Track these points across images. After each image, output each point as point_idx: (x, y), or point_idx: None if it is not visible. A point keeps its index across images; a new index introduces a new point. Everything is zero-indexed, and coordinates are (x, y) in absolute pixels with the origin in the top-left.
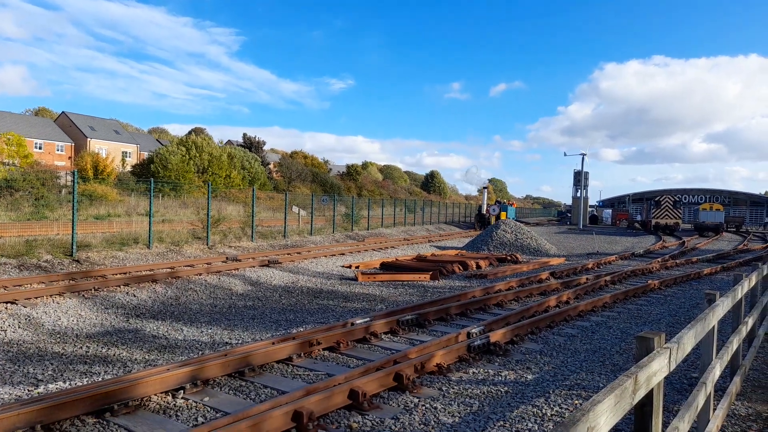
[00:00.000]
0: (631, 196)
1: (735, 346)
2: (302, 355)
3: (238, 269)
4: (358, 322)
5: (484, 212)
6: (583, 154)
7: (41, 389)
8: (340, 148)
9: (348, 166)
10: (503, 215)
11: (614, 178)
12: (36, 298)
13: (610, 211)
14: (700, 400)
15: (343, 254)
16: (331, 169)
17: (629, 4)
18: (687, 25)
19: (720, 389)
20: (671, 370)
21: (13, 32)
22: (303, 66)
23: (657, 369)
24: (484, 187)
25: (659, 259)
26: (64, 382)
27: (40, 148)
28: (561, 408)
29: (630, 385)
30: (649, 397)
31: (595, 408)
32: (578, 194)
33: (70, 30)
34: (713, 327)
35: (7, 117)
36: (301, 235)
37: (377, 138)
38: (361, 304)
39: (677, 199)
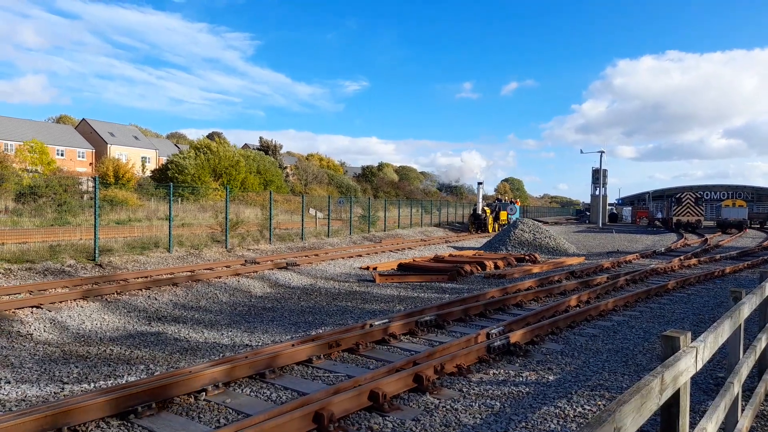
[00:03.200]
0: (651, 193)
1: (763, 345)
2: (322, 356)
3: (257, 272)
4: (376, 323)
5: (480, 212)
6: (602, 152)
7: (67, 391)
8: (354, 150)
9: (363, 168)
10: (503, 214)
11: (631, 175)
12: (60, 302)
13: (629, 208)
14: (728, 401)
15: (360, 256)
16: (347, 171)
17: None
18: (701, 18)
19: (748, 389)
20: (698, 369)
21: (33, 42)
22: (317, 69)
23: (684, 369)
24: (479, 183)
25: (681, 257)
26: (89, 384)
27: (61, 154)
28: (584, 409)
29: (656, 385)
30: (675, 397)
31: (622, 408)
32: (597, 192)
33: (88, 38)
34: (740, 325)
35: (30, 125)
36: (318, 237)
37: (391, 139)
38: (379, 305)
39: (699, 196)
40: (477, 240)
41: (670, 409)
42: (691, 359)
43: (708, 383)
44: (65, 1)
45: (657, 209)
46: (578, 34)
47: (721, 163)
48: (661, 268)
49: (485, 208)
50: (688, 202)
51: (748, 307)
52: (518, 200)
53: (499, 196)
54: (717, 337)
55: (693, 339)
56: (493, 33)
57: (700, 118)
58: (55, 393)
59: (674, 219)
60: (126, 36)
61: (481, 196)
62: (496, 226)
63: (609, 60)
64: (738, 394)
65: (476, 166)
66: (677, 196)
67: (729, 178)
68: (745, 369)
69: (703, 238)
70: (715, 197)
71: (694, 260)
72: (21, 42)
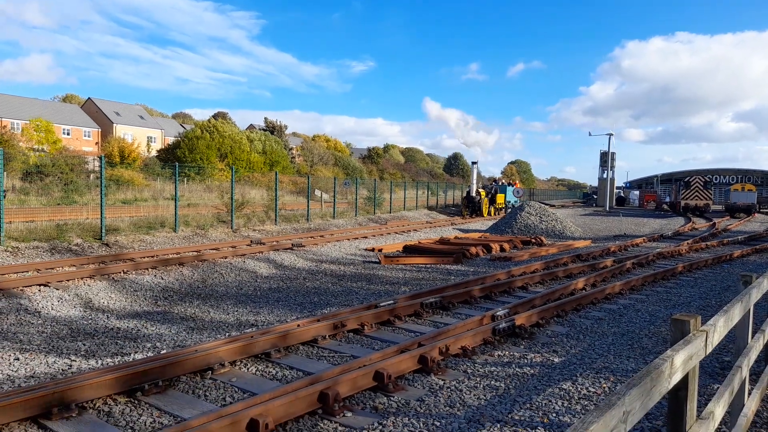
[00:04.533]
0: (660, 176)
1: None
2: (327, 337)
3: (262, 252)
4: (382, 304)
5: (474, 194)
6: (610, 134)
7: (74, 368)
8: (360, 131)
9: (369, 149)
10: (500, 197)
11: (639, 158)
12: (68, 280)
13: (637, 192)
14: (736, 384)
15: (365, 237)
16: (352, 153)
17: None
18: None
19: (754, 373)
20: (707, 353)
21: (38, 20)
22: (324, 49)
23: (693, 352)
24: (474, 163)
25: (689, 241)
26: (96, 361)
27: (67, 134)
28: (589, 391)
29: (666, 369)
30: (684, 381)
31: (631, 392)
32: (605, 175)
33: (94, 17)
34: (749, 310)
35: (36, 104)
36: (323, 218)
37: (397, 120)
38: (384, 286)
39: (708, 180)
40: (483, 223)
41: (678, 392)
42: (701, 343)
43: (714, 367)
44: None
45: (665, 193)
46: (586, 14)
47: (730, 147)
48: (668, 251)
49: (480, 190)
50: (697, 186)
51: (757, 291)
52: (517, 182)
53: (496, 178)
54: (727, 321)
55: (702, 323)
56: (499, 14)
57: (709, 101)
58: (63, 370)
59: (682, 203)
60: (131, 14)
61: (475, 177)
62: (492, 209)
63: (617, 41)
64: (746, 377)
65: (454, 121)
66: (686, 179)
67: (738, 162)
68: (753, 353)
69: (711, 222)
70: (724, 181)
71: (701, 244)
72: (27, 21)
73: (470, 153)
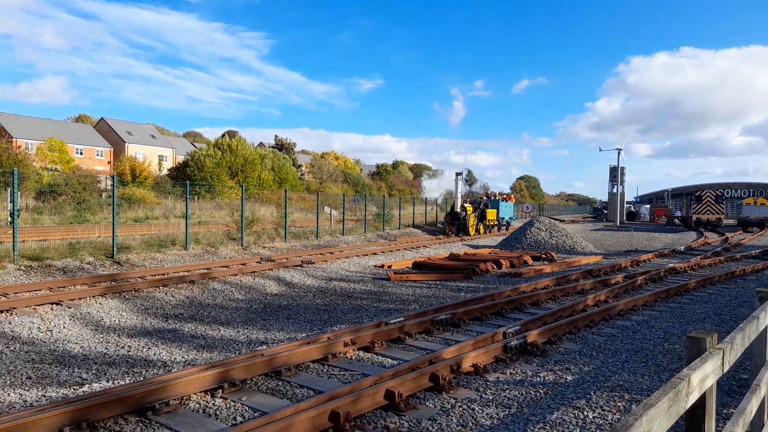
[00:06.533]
0: (670, 191)
1: None
2: (337, 354)
3: (272, 269)
4: (392, 321)
5: (458, 210)
6: (619, 149)
7: (86, 388)
8: (368, 148)
9: (378, 166)
10: (491, 213)
11: (647, 173)
12: (80, 299)
13: (648, 207)
14: (754, 404)
15: (375, 254)
16: (362, 169)
17: None
18: (715, 14)
19: None
20: (724, 371)
21: (53, 43)
22: (332, 67)
23: (710, 371)
24: (458, 174)
25: (701, 256)
26: (108, 381)
27: (80, 153)
28: (603, 410)
29: (684, 388)
30: (701, 400)
31: (648, 412)
32: (615, 190)
33: (107, 38)
34: (766, 326)
35: (50, 124)
36: (333, 235)
37: (404, 137)
38: (394, 303)
39: (719, 194)
40: (492, 238)
41: (695, 412)
42: (718, 361)
43: (731, 385)
44: (84, 1)
45: (676, 207)
46: (590, 30)
47: (740, 161)
48: (680, 267)
49: (465, 205)
50: (709, 200)
51: None
52: (512, 197)
53: (488, 192)
54: (744, 338)
55: (719, 340)
56: (503, 31)
57: (717, 116)
58: (74, 389)
59: (694, 217)
60: (143, 36)
61: (459, 191)
62: (481, 227)
63: (622, 57)
64: (764, 397)
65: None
66: (697, 193)
67: (748, 176)
68: None
69: (723, 237)
70: (736, 195)
71: (714, 259)
72: (41, 43)
73: (479, 168)
